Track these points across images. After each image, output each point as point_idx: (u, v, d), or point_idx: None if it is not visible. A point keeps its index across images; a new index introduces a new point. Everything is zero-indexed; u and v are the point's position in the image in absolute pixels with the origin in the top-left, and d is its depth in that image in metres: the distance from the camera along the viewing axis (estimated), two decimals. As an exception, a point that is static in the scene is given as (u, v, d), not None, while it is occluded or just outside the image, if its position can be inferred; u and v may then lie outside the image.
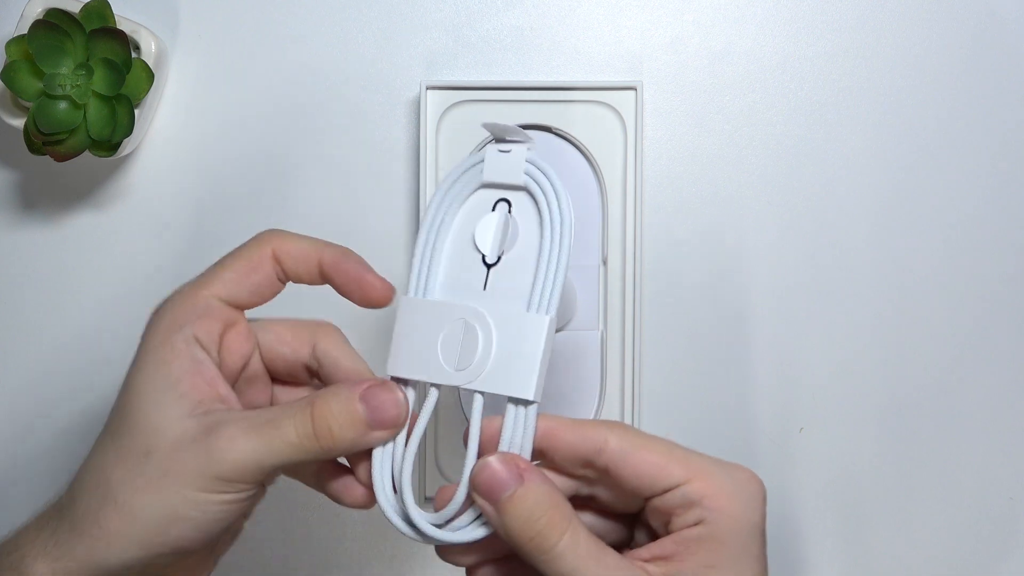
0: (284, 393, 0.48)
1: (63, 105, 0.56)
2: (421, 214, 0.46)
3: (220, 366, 0.44)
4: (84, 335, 0.63)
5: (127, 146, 0.59)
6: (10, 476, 0.63)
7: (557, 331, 0.60)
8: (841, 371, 0.62)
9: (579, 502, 0.44)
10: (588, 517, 0.45)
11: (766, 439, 0.62)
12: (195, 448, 0.41)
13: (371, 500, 0.45)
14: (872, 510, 0.62)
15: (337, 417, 0.42)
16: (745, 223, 0.62)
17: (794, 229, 0.62)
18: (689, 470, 0.42)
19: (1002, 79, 0.62)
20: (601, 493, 0.45)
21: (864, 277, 0.62)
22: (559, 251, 0.44)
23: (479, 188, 0.46)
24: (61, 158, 0.57)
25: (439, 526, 0.43)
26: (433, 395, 0.44)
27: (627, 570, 0.41)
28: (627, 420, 0.60)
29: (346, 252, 0.45)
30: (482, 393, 0.44)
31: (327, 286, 0.46)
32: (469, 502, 0.43)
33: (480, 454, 0.43)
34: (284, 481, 0.47)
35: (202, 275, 0.45)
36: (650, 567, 0.42)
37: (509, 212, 0.45)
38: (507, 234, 0.45)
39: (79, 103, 0.56)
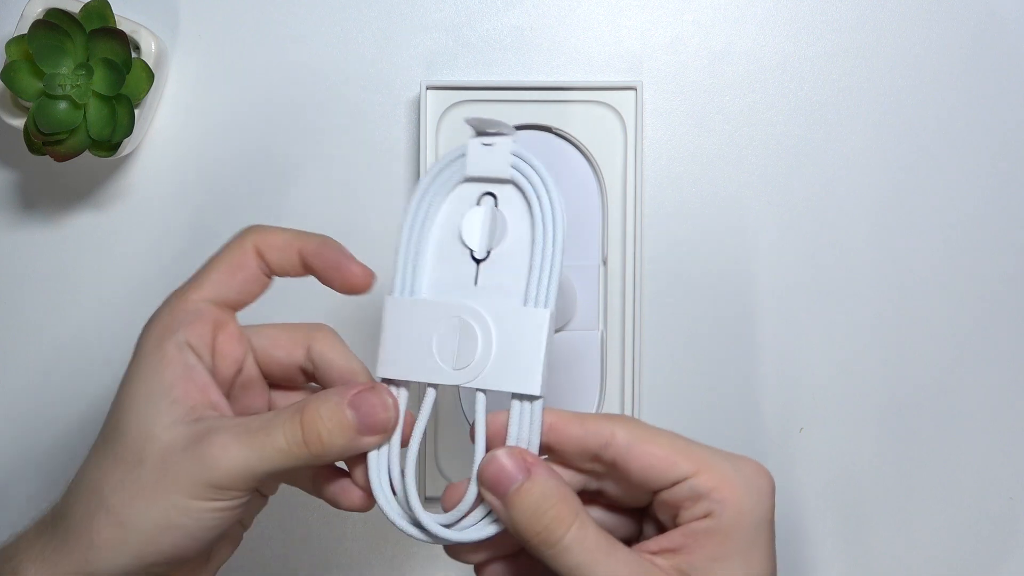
0: (282, 398, 0.48)
1: (63, 105, 0.56)
2: (402, 213, 0.45)
3: (213, 371, 0.44)
4: (84, 335, 0.63)
5: (127, 146, 0.59)
6: (10, 476, 0.63)
7: (557, 331, 0.61)
8: (841, 371, 0.62)
9: (587, 497, 0.44)
10: (596, 512, 0.45)
11: (766, 439, 0.62)
12: (187, 456, 0.41)
13: (368, 503, 0.45)
14: (872, 510, 0.62)
15: (326, 423, 0.42)
16: (745, 223, 0.62)
17: (794, 229, 0.62)
18: (696, 463, 0.42)
19: (1002, 79, 0.62)
20: (609, 487, 0.45)
21: (864, 277, 0.62)
22: (553, 243, 0.44)
23: (461, 183, 0.45)
24: (61, 158, 0.57)
25: (448, 526, 0.43)
26: (430, 395, 0.44)
27: (635, 563, 0.41)
28: (627, 420, 0.60)
29: (325, 240, 0.45)
30: (484, 391, 0.43)
31: (326, 288, 0.45)
32: (479, 500, 0.43)
33: (487, 451, 0.43)
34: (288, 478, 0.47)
35: (190, 279, 0.45)
36: (658, 560, 0.42)
37: (495, 206, 0.45)
38: (496, 228, 0.44)
39: (79, 103, 0.56)
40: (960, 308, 0.62)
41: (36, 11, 0.58)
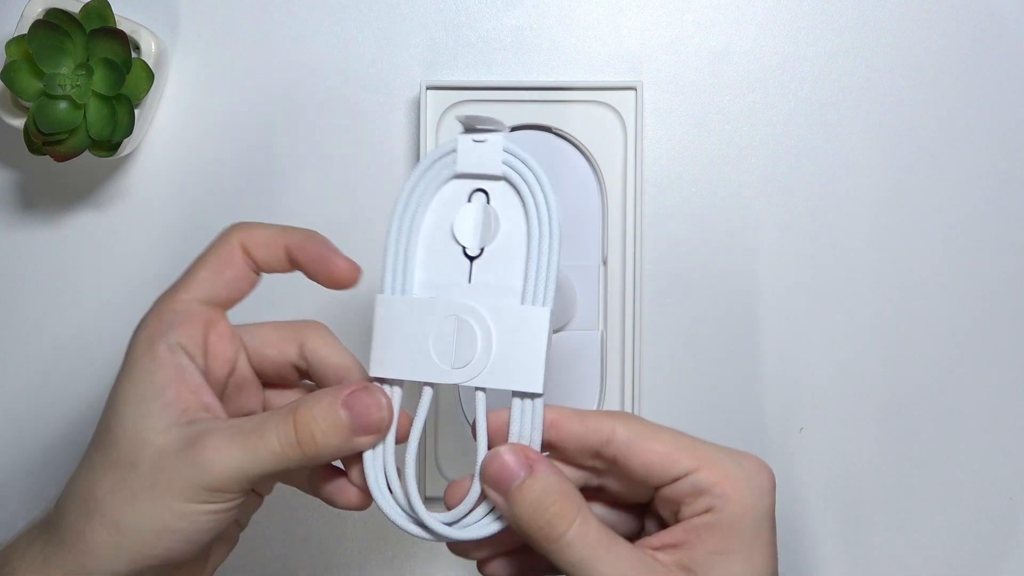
0: (276, 396, 0.48)
1: (63, 105, 0.56)
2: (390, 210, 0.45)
3: (206, 371, 0.44)
4: (84, 335, 0.63)
5: (127, 146, 0.59)
6: (10, 476, 0.63)
7: (557, 331, 0.61)
8: (841, 371, 0.62)
9: (589, 493, 0.44)
10: (598, 508, 0.45)
11: (767, 439, 0.62)
12: (180, 459, 0.41)
13: (365, 502, 0.45)
14: (872, 510, 0.62)
15: (320, 423, 0.42)
16: (745, 223, 0.62)
17: (794, 229, 0.62)
18: (697, 458, 0.42)
19: (1002, 79, 0.62)
20: (610, 484, 0.45)
21: (864, 277, 0.62)
22: (549, 240, 0.44)
23: (450, 179, 0.45)
24: (61, 158, 0.57)
25: (451, 524, 0.43)
26: (427, 394, 0.44)
27: (637, 558, 0.41)
28: (627, 420, 0.60)
29: (310, 234, 0.45)
30: (484, 389, 0.43)
31: (320, 287, 0.45)
32: (482, 497, 0.43)
33: (489, 448, 0.43)
34: (286, 479, 0.47)
35: (178, 280, 0.45)
36: (660, 555, 0.42)
37: (487, 202, 0.44)
38: (489, 225, 0.44)
39: (79, 103, 0.56)
40: (960, 308, 0.62)
41: (36, 11, 0.58)
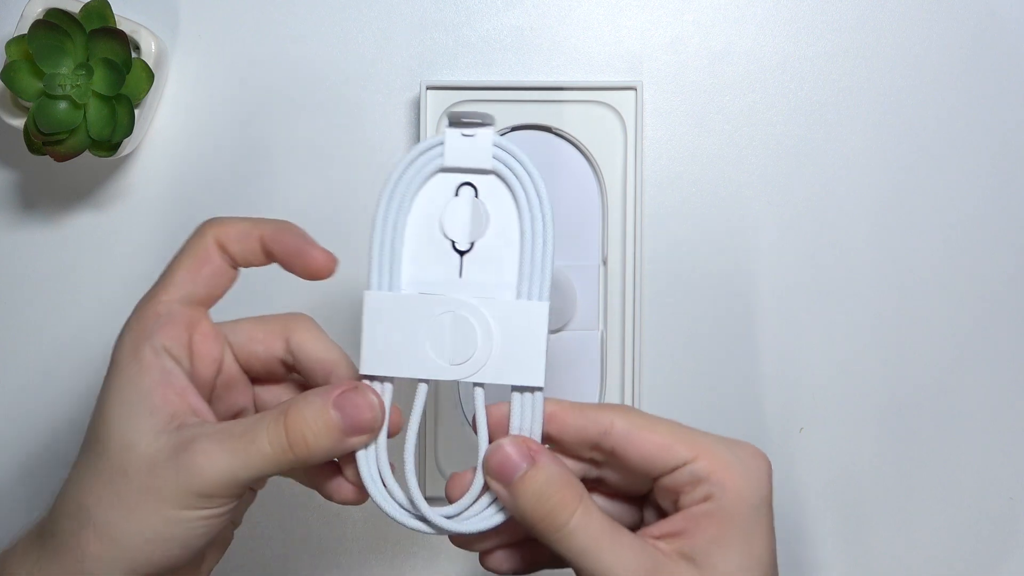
0: (266, 393, 0.48)
1: (63, 105, 0.56)
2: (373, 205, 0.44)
3: (193, 373, 0.44)
4: (84, 335, 0.63)
5: (127, 146, 0.59)
6: (9, 476, 0.63)
7: (557, 331, 0.61)
8: (841, 371, 0.62)
9: (588, 485, 0.45)
10: (597, 500, 0.46)
11: (766, 439, 0.62)
12: (170, 466, 0.41)
13: (361, 498, 0.45)
14: (872, 510, 0.62)
15: (311, 425, 0.41)
16: (745, 223, 0.62)
17: (794, 229, 0.62)
18: (695, 448, 0.43)
19: (1002, 79, 0.62)
20: (609, 475, 0.45)
21: (864, 277, 0.62)
22: (543, 234, 0.44)
23: (435, 174, 0.44)
24: (61, 158, 0.57)
25: (452, 517, 0.43)
26: (422, 390, 0.44)
27: (639, 547, 0.42)
28: (627, 420, 0.60)
29: (285, 225, 0.45)
30: (482, 385, 0.44)
31: (311, 284, 0.45)
32: (484, 489, 0.43)
33: (490, 442, 0.43)
34: (284, 481, 0.47)
35: (156, 282, 0.45)
36: (661, 544, 0.42)
37: (476, 197, 0.44)
38: (479, 220, 0.44)
39: (79, 103, 0.56)
40: (960, 308, 0.62)
41: (36, 11, 0.58)
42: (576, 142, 0.61)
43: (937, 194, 0.62)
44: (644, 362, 0.61)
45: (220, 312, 0.46)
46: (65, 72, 0.56)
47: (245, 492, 0.43)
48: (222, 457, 0.41)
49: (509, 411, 0.44)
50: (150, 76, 0.57)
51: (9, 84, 0.56)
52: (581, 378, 0.61)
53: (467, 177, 0.44)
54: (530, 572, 0.47)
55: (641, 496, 0.46)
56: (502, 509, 0.43)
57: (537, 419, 0.43)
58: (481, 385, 0.44)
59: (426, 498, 0.44)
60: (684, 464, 0.43)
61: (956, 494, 0.62)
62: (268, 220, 0.45)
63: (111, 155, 0.58)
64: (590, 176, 0.61)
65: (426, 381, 0.44)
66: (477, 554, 0.47)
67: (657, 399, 0.62)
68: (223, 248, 0.44)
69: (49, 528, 0.42)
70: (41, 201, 0.63)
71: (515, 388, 0.44)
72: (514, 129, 0.61)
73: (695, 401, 0.62)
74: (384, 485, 0.44)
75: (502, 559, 0.46)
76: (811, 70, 0.62)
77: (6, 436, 0.63)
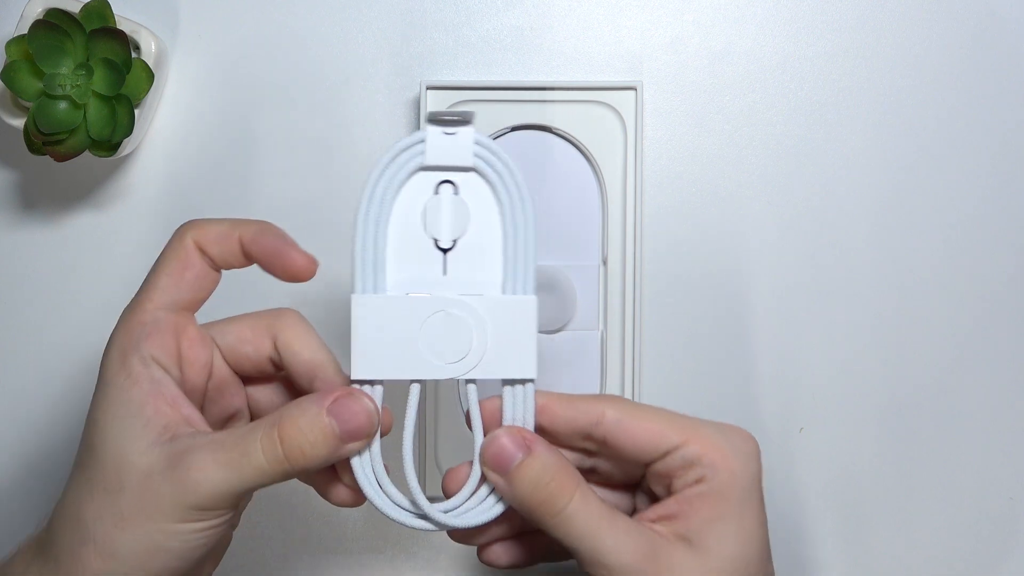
0: (258, 392, 0.48)
1: (63, 105, 0.56)
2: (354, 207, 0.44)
3: (183, 380, 0.44)
4: (84, 335, 0.63)
5: (127, 146, 0.59)
6: (9, 476, 0.63)
7: (557, 331, 0.61)
8: (841, 371, 0.62)
9: (581, 475, 0.45)
10: None
11: (766, 439, 0.62)
12: (166, 480, 0.40)
13: (358, 500, 0.45)
14: (872, 510, 0.62)
15: (307, 435, 0.41)
16: (745, 223, 0.62)
17: (794, 229, 0.62)
18: (685, 432, 0.44)
19: (1002, 79, 0.62)
20: (601, 465, 0.46)
21: (864, 277, 0.62)
22: (525, 228, 0.44)
23: (416, 172, 0.44)
24: (61, 158, 0.57)
25: (452, 511, 0.44)
26: (415, 390, 0.44)
27: (637, 530, 0.43)
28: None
29: (264, 226, 0.44)
30: (474, 380, 0.44)
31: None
32: (481, 481, 0.44)
33: (485, 435, 0.44)
34: (283, 483, 0.47)
35: (140, 290, 0.44)
36: (657, 527, 0.43)
37: (455, 194, 0.44)
38: (460, 217, 0.44)
39: (79, 103, 0.56)
40: (960, 308, 0.62)
41: (36, 11, 0.58)
42: (576, 142, 0.61)
43: (937, 194, 0.62)
44: (644, 362, 0.61)
45: (208, 308, 0.46)
46: (65, 72, 0.56)
47: (242, 502, 0.43)
48: (217, 471, 0.40)
49: (501, 404, 0.44)
50: (150, 76, 0.57)
51: (9, 84, 0.56)
52: (581, 378, 0.61)
53: (447, 175, 0.44)
54: (528, 565, 0.48)
55: (633, 484, 0.47)
56: (500, 500, 0.44)
57: (529, 410, 0.44)
58: (473, 381, 0.44)
59: (426, 496, 0.44)
60: (675, 449, 0.43)
61: (956, 494, 0.62)
62: (247, 221, 0.45)
63: (111, 155, 0.58)
64: (590, 176, 0.61)
65: (419, 381, 0.44)
66: (476, 553, 0.48)
67: (657, 399, 0.61)
68: (203, 251, 0.44)
69: (48, 541, 0.42)
70: (41, 201, 0.63)
71: (506, 382, 0.44)
72: (514, 129, 0.61)
73: (695, 401, 0.62)
74: (381, 487, 0.44)
75: (500, 552, 0.47)
76: (811, 70, 0.62)
77: (6, 436, 0.63)
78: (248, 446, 0.41)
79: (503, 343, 0.44)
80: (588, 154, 0.61)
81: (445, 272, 0.44)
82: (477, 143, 0.44)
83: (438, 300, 0.44)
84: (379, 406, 0.44)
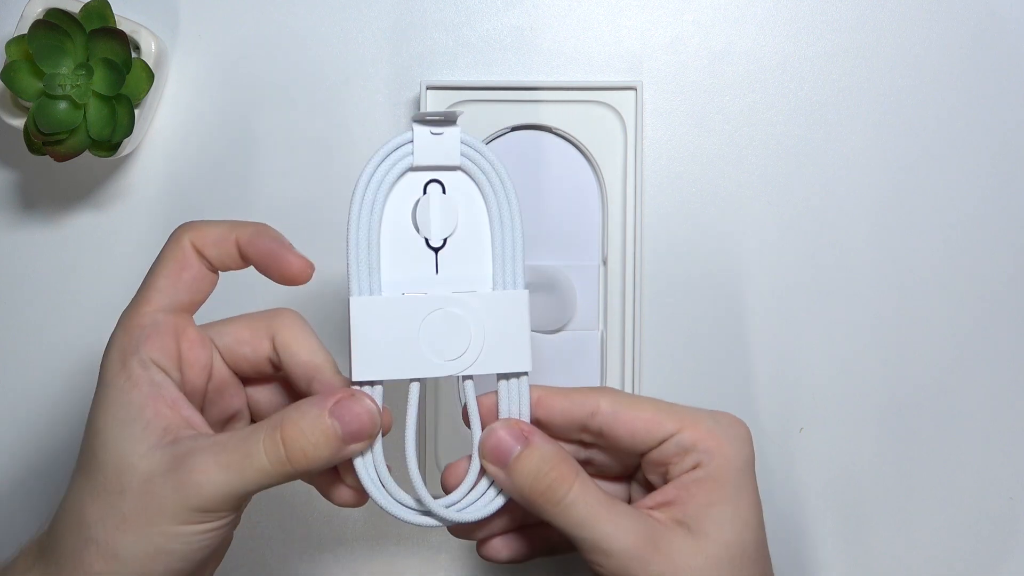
0: (257, 393, 0.48)
1: (63, 105, 0.56)
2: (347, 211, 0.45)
3: (184, 382, 0.44)
4: (84, 335, 0.63)
5: (127, 146, 0.59)
6: (9, 477, 0.63)
7: (557, 331, 0.61)
8: (841, 371, 0.62)
9: None
10: None
11: (766, 439, 0.62)
12: (167, 482, 0.40)
13: (361, 500, 0.45)
14: (872, 510, 0.62)
15: (310, 437, 0.41)
16: (745, 223, 0.62)
17: (794, 229, 0.62)
18: (679, 421, 0.45)
19: (1002, 79, 0.62)
20: (596, 456, 0.47)
21: (864, 277, 0.62)
22: (512, 224, 0.45)
23: (406, 172, 0.45)
24: (61, 158, 0.57)
25: (454, 506, 0.44)
26: (415, 388, 0.45)
27: (636, 516, 0.43)
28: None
29: (261, 229, 0.44)
30: (471, 376, 0.45)
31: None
32: (481, 474, 0.45)
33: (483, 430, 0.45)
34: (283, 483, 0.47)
35: (138, 292, 0.44)
36: (656, 513, 0.44)
37: (443, 193, 0.45)
38: (449, 216, 0.45)
39: (79, 103, 0.56)
40: (960, 308, 0.62)
41: (36, 11, 0.58)
42: (576, 142, 0.61)
43: (937, 194, 0.62)
44: (644, 362, 0.61)
45: (206, 309, 0.46)
46: (65, 72, 0.56)
47: (245, 503, 0.43)
48: (219, 473, 0.40)
49: (497, 398, 0.45)
50: (150, 76, 0.57)
51: (9, 84, 0.56)
52: (581, 378, 0.61)
53: (434, 174, 0.45)
54: (528, 559, 0.48)
55: (628, 475, 0.48)
56: (500, 493, 0.45)
57: (524, 402, 0.45)
58: (470, 377, 0.45)
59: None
60: (670, 436, 0.44)
61: (956, 494, 0.62)
62: (244, 223, 0.45)
63: (111, 155, 0.58)
64: (590, 176, 0.61)
65: (419, 380, 0.44)
66: (476, 555, 0.48)
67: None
68: (200, 252, 0.44)
69: (51, 543, 0.42)
70: (41, 201, 0.63)
71: (500, 376, 0.45)
72: (514, 129, 0.61)
73: (695, 401, 0.61)
74: (384, 487, 0.44)
75: (500, 547, 0.47)
76: (811, 70, 0.62)
77: (6, 437, 0.63)
78: (250, 448, 0.41)
79: (498, 338, 0.44)
80: (588, 154, 0.61)
81: (437, 271, 0.45)
82: (463, 142, 0.45)
83: (434, 299, 0.44)
84: (380, 406, 0.44)
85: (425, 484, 0.60)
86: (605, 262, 0.61)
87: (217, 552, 0.47)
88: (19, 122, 0.58)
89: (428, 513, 0.44)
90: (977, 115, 0.62)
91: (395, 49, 0.63)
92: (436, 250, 0.45)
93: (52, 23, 0.56)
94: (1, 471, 0.63)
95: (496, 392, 0.45)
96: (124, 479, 0.41)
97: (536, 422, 0.45)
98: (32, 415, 0.63)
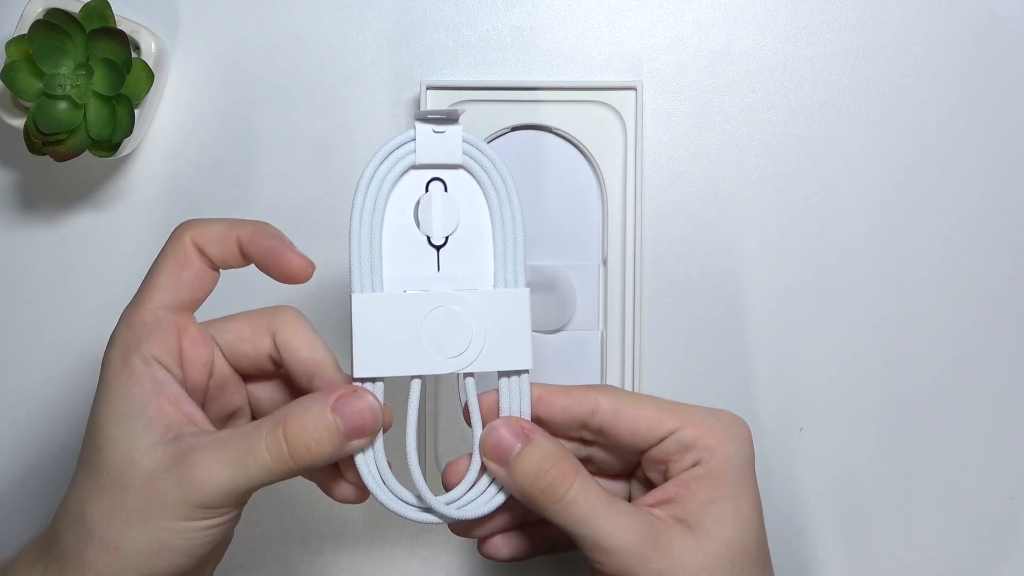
0: (258, 390, 0.48)
1: (63, 105, 0.56)
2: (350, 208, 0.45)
3: (185, 379, 0.44)
4: (84, 335, 0.63)
5: (127, 146, 0.59)
6: (10, 477, 0.63)
7: (557, 331, 0.61)
8: (841, 371, 0.62)
9: None
10: None
11: (766, 439, 0.62)
12: (170, 479, 0.41)
13: (362, 496, 0.46)
14: (872, 510, 0.62)
15: (312, 433, 0.41)
16: (745, 223, 0.62)
17: (794, 229, 0.62)
18: (680, 418, 0.45)
19: (1002, 79, 0.62)
20: (597, 454, 0.47)
21: (864, 277, 0.62)
22: (513, 222, 0.45)
23: (408, 171, 0.45)
24: (61, 158, 0.57)
25: (453, 503, 0.44)
26: (416, 385, 0.45)
27: (636, 513, 0.43)
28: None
29: (262, 227, 0.45)
30: (472, 374, 0.45)
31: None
32: (482, 472, 0.45)
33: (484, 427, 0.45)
34: (284, 481, 0.47)
35: (140, 290, 0.44)
36: (656, 511, 0.44)
37: (444, 191, 0.45)
38: (451, 214, 0.45)
39: (79, 103, 0.56)
40: (960, 308, 0.62)
41: (36, 11, 0.58)
42: (576, 142, 0.61)
43: (937, 194, 0.62)
44: (644, 362, 0.61)
45: (207, 306, 0.46)
46: (65, 72, 0.56)
47: (247, 499, 0.43)
48: (221, 470, 0.41)
49: (498, 397, 0.45)
50: (150, 76, 0.57)
51: (9, 84, 0.56)
52: (581, 378, 0.61)
53: (436, 172, 0.45)
54: (529, 557, 0.48)
55: (628, 473, 0.48)
56: (501, 490, 0.45)
57: (525, 400, 0.45)
58: (471, 374, 0.45)
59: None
60: (671, 434, 0.44)
61: (956, 494, 0.62)
62: (245, 221, 0.45)
63: (111, 155, 0.58)
64: (590, 176, 0.61)
65: (420, 377, 0.44)
66: (478, 554, 0.48)
67: (657, 399, 0.62)
68: (201, 250, 0.44)
69: (53, 539, 0.42)
70: (41, 201, 0.63)
71: (501, 374, 0.45)
72: (514, 129, 0.61)
73: (695, 401, 0.62)
74: (385, 483, 0.44)
75: (501, 545, 0.48)
76: (811, 70, 0.62)
77: (6, 436, 0.63)
78: (253, 444, 0.41)
79: (499, 336, 0.44)
80: (588, 154, 0.61)
81: (439, 268, 0.45)
82: (465, 140, 0.45)
83: (436, 296, 0.44)
84: (381, 403, 0.44)
85: (426, 481, 0.60)
86: (605, 262, 0.61)
87: (218, 548, 0.47)
88: (19, 122, 0.58)
89: (429, 510, 0.44)
90: (977, 115, 0.62)
91: (395, 49, 0.63)
92: (438, 248, 0.45)
93: (52, 23, 0.56)
94: (1, 471, 0.63)
95: (497, 390, 0.45)
96: (127, 475, 0.41)
97: (537, 420, 0.45)
98: (32, 415, 0.63)
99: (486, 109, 0.60)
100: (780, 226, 0.62)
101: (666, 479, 0.45)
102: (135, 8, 0.62)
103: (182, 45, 0.63)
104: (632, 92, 0.60)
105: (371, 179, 0.44)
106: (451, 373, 0.44)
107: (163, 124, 0.62)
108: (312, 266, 0.44)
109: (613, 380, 0.61)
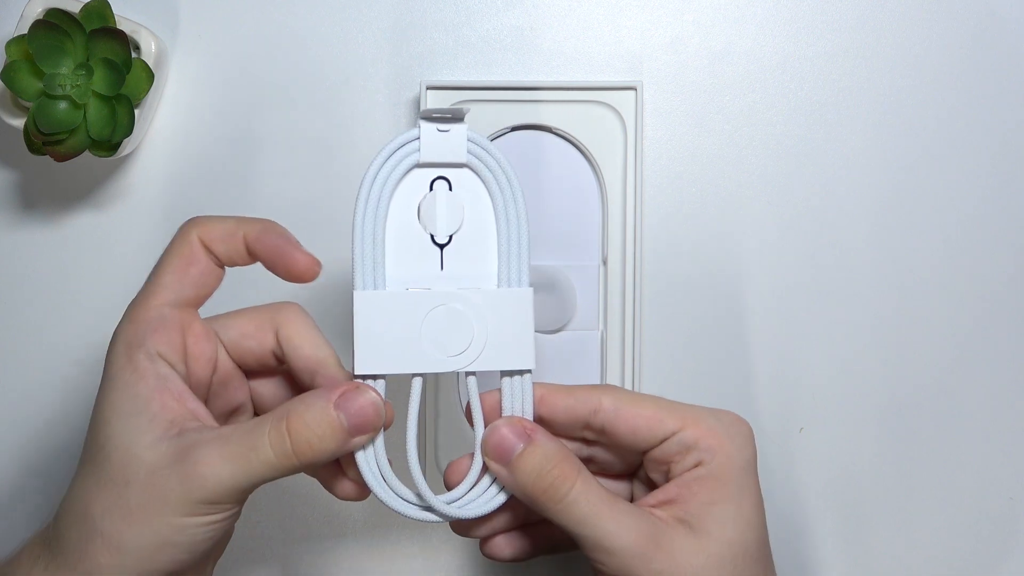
0: (261, 386, 0.48)
1: (63, 105, 0.56)
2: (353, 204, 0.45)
3: (189, 375, 0.44)
4: (84, 335, 0.63)
5: (127, 146, 0.59)
6: (10, 477, 0.63)
7: (557, 331, 0.61)
8: (841, 371, 0.62)
9: None
10: None
11: (766, 439, 0.62)
12: (173, 474, 0.41)
13: (363, 493, 0.46)
14: (872, 510, 0.62)
15: (315, 429, 0.42)
16: (745, 223, 0.62)
17: (794, 229, 0.62)
18: (681, 419, 0.45)
19: (1002, 79, 0.62)
20: (598, 454, 0.47)
21: (864, 277, 0.62)
22: (518, 222, 0.45)
23: (411, 169, 0.45)
24: (61, 158, 0.57)
25: (455, 503, 0.44)
26: (417, 383, 0.45)
27: (637, 514, 0.43)
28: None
29: (269, 226, 0.45)
30: (474, 373, 0.45)
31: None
32: (483, 472, 0.45)
33: (486, 427, 0.45)
34: (285, 480, 0.47)
35: (144, 287, 0.44)
36: (657, 511, 0.44)
37: (449, 190, 0.45)
38: (455, 212, 0.45)
39: (79, 103, 0.56)
40: (960, 308, 0.62)
41: (36, 11, 0.58)
42: (576, 142, 0.61)
43: (937, 194, 0.62)
44: (644, 362, 0.61)
45: (210, 302, 0.46)
46: (65, 72, 0.56)
47: (248, 496, 0.43)
48: (224, 465, 0.41)
49: (500, 397, 0.45)
50: (150, 76, 0.57)
51: (9, 84, 0.56)
52: (581, 378, 0.61)
53: (441, 171, 0.45)
54: (530, 557, 0.48)
55: (630, 473, 0.48)
56: (502, 490, 0.45)
57: (528, 400, 0.45)
58: (473, 374, 0.45)
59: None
60: (673, 434, 0.44)
61: (956, 494, 0.62)
62: (252, 219, 0.45)
63: (111, 155, 0.58)
64: (590, 176, 0.61)
65: (421, 375, 0.44)
66: (479, 554, 0.48)
67: (657, 399, 0.62)
68: (208, 248, 0.44)
69: (55, 535, 0.42)
70: (41, 201, 0.63)
71: (504, 373, 0.45)
72: (514, 129, 0.61)
73: (695, 401, 0.62)
74: (385, 481, 0.44)
75: (503, 545, 0.48)
76: (811, 70, 0.62)
77: (6, 436, 0.63)
78: (256, 440, 0.41)
79: (501, 335, 0.44)
80: (588, 154, 0.61)
81: (442, 267, 0.45)
82: (470, 139, 0.45)
83: (438, 295, 0.44)
84: (383, 400, 0.44)
85: (426, 480, 0.60)
86: (605, 262, 0.61)
87: (219, 544, 0.47)
88: (19, 122, 0.58)
89: (429, 509, 0.44)
90: (977, 115, 0.62)
91: (395, 49, 0.63)
92: (441, 247, 0.45)
93: (52, 23, 0.56)
94: (1, 471, 0.63)
95: (499, 389, 0.45)
96: (130, 471, 0.41)
97: (539, 420, 0.45)
98: (32, 415, 0.63)
99: (486, 109, 0.60)
100: (780, 226, 0.62)
101: (668, 479, 0.45)
102: (135, 8, 0.62)
103: (182, 45, 0.63)
104: (632, 92, 0.60)
105: (375, 176, 0.44)
106: (452, 372, 0.44)
107: (163, 124, 0.62)
108: (319, 265, 0.44)
109: (613, 380, 0.61)
